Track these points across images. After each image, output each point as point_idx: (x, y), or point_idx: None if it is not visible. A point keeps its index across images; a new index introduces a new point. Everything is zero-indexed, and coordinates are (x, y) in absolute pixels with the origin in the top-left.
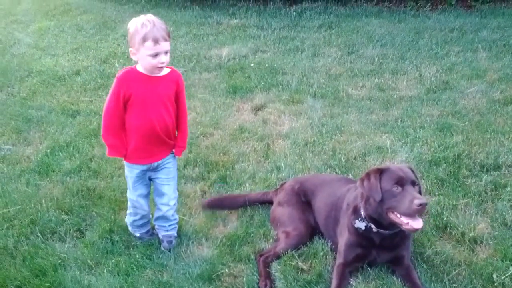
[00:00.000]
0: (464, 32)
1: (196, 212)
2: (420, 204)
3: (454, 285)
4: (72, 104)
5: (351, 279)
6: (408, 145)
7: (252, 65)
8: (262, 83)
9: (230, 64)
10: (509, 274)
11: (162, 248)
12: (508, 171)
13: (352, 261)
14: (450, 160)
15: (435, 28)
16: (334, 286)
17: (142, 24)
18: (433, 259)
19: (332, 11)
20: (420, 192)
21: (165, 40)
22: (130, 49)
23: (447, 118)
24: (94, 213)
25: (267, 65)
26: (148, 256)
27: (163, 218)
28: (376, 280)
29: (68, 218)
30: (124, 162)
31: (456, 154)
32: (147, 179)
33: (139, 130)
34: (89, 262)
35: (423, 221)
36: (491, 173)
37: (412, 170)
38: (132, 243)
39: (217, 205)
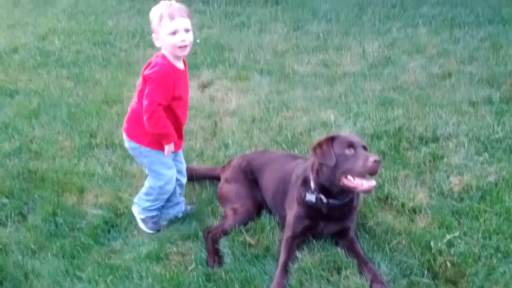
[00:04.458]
0: (406, 8)
1: None
2: (375, 161)
3: (395, 253)
4: (10, 83)
5: (297, 252)
6: (351, 119)
7: (198, 41)
8: (209, 60)
9: None
10: (445, 241)
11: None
12: (445, 142)
13: (300, 233)
14: (391, 133)
15: (378, 4)
16: (283, 259)
17: (159, 6)
18: (375, 229)
19: None
20: None
21: (182, 16)
22: (153, 35)
23: (388, 93)
24: (36, 195)
25: (213, 41)
26: (94, 237)
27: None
28: (321, 252)
29: (8, 202)
30: (158, 152)
31: (397, 127)
32: None
33: (181, 123)
34: (32, 246)
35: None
36: (430, 145)
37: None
38: (77, 225)
39: None
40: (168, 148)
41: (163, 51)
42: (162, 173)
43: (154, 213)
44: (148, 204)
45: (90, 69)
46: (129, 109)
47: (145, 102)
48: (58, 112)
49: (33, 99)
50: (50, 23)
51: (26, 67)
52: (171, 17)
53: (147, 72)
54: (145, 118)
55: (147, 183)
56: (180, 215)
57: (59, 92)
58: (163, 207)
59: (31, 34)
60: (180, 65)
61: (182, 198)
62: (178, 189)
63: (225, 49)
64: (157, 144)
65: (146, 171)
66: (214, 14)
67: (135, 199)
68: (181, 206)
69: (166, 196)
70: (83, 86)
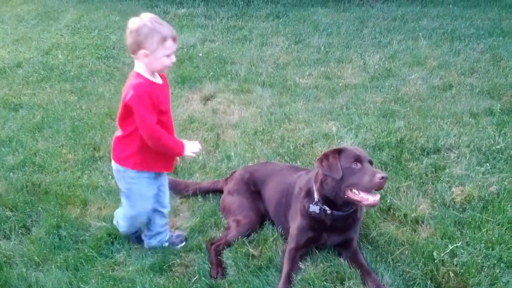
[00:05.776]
0: (406, 21)
1: None
2: (382, 177)
3: (397, 264)
4: (14, 97)
5: (300, 263)
6: (353, 131)
7: (200, 54)
8: (211, 73)
9: (178, 54)
10: (448, 251)
11: (176, 246)
12: (447, 153)
13: (303, 244)
14: (393, 144)
15: (378, 17)
16: (286, 270)
17: (157, 23)
18: (378, 240)
19: (279, 0)
20: None
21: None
22: (142, 51)
23: (389, 105)
24: (40, 208)
25: (215, 54)
26: (97, 250)
27: (164, 219)
28: (324, 263)
29: (12, 215)
30: (143, 176)
31: (399, 138)
32: None
33: None
34: (36, 258)
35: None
36: (431, 156)
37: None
38: (81, 238)
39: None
40: (187, 154)
41: (143, 68)
42: (136, 203)
43: (134, 231)
44: (123, 229)
45: (93, 83)
46: (115, 133)
47: (142, 131)
48: (61, 125)
49: (37, 113)
50: (53, 38)
51: (30, 81)
52: (174, 39)
53: (127, 99)
54: (151, 145)
55: (122, 210)
56: (166, 244)
57: (63, 105)
58: (145, 236)
59: (35, 49)
60: (157, 80)
61: (166, 228)
62: (158, 219)
63: (227, 62)
64: (143, 165)
65: (122, 197)
66: (216, 28)
67: (114, 219)
68: (164, 236)
69: (139, 225)
70: (87, 99)
